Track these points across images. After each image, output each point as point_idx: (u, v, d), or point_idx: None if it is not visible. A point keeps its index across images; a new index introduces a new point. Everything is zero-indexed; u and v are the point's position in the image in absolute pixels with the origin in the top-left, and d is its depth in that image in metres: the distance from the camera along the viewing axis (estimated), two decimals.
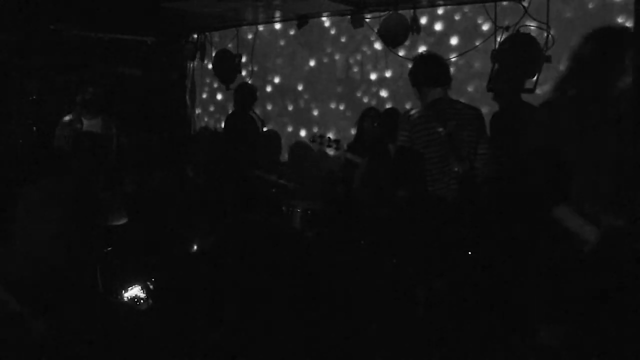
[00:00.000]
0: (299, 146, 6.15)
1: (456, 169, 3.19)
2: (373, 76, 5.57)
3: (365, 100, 5.61)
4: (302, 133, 6.18)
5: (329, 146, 4.79)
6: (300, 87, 6.18)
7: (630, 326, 2.19)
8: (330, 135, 5.08)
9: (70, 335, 1.55)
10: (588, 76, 2.44)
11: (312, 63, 6.03)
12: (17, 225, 1.67)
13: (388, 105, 5.35)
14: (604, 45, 2.44)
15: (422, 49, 5.06)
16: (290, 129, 6.31)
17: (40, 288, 1.59)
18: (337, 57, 5.82)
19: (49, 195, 1.68)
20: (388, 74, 5.43)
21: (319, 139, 4.85)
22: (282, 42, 6.29)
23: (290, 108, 6.30)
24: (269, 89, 6.44)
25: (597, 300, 2.22)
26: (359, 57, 5.64)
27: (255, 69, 6.51)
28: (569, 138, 2.39)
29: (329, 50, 5.87)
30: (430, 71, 3.44)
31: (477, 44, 4.72)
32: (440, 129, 3.20)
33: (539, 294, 2.39)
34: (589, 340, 2.24)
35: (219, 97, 7.06)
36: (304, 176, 5.58)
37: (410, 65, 3.60)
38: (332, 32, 5.83)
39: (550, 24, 4.31)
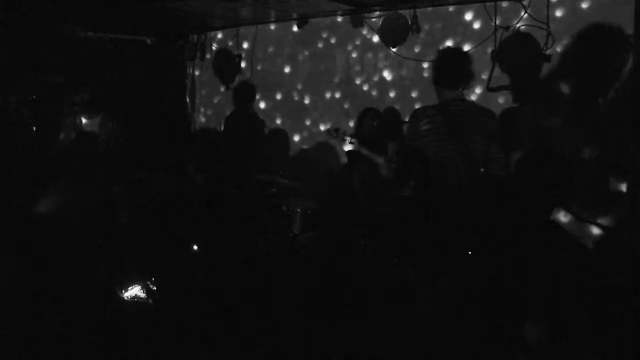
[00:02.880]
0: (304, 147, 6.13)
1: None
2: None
3: (365, 88, 5.58)
4: (300, 129, 6.19)
5: (345, 140, 4.46)
6: (299, 84, 6.18)
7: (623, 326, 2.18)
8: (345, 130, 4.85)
9: (75, 333, 1.56)
10: (577, 74, 2.41)
11: (311, 60, 6.03)
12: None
13: (391, 94, 5.33)
14: (595, 44, 2.41)
15: (421, 49, 5.06)
16: (288, 126, 6.32)
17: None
18: (333, 41, 5.80)
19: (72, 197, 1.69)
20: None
21: (335, 133, 4.58)
22: (282, 41, 6.29)
23: (289, 105, 6.30)
24: (268, 87, 6.44)
25: (594, 301, 2.21)
26: (358, 42, 5.62)
27: (256, 67, 6.51)
28: (556, 134, 2.37)
29: (324, 35, 5.85)
30: (447, 70, 3.17)
31: (477, 43, 4.72)
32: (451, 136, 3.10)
33: (532, 293, 2.37)
34: (580, 339, 2.23)
35: (219, 97, 7.06)
36: (304, 175, 5.56)
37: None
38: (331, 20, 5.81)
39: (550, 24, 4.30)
